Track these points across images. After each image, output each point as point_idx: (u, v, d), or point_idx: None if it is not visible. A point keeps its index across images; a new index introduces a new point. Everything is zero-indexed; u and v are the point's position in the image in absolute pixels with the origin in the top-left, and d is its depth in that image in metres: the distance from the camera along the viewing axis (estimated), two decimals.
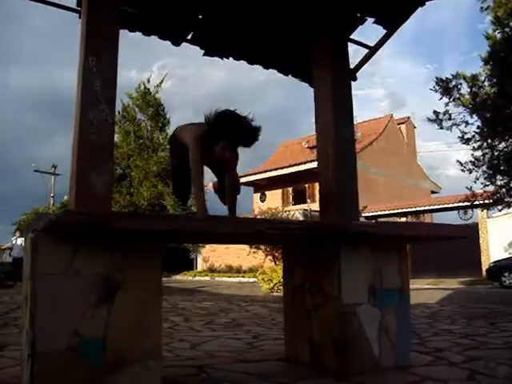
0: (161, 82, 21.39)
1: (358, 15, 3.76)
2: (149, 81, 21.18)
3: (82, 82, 2.48)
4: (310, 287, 2.88)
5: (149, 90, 21.02)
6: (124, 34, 2.92)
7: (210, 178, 3.40)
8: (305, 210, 24.30)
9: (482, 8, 10.95)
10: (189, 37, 3.75)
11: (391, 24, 3.76)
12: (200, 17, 3.63)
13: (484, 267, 18.25)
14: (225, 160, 2.96)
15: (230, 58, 3.92)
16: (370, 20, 3.77)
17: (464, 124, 11.41)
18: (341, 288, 2.67)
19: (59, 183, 36.51)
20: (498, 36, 10.84)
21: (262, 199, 30.49)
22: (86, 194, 2.35)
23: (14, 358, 2.94)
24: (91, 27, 2.54)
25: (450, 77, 11.31)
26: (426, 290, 12.99)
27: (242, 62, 3.99)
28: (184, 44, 3.79)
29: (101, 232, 1.96)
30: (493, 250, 19.35)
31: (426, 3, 3.68)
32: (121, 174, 20.63)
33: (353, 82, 3.70)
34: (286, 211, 23.00)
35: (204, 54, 3.86)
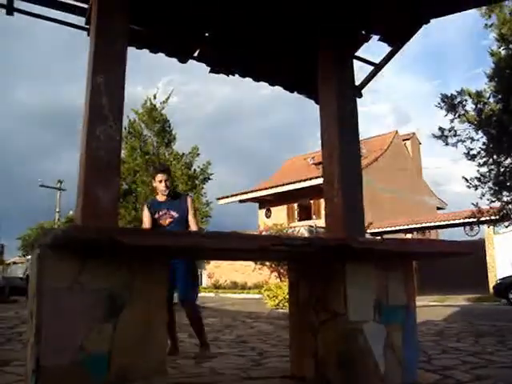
0: (167, 99, 21.52)
1: (363, 33, 3.79)
2: (155, 97, 21.32)
3: (89, 99, 2.51)
4: (315, 304, 2.87)
5: (155, 106, 21.16)
6: (130, 50, 2.95)
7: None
8: (310, 226, 24.22)
9: (486, 25, 11.02)
10: (195, 54, 3.79)
11: (396, 41, 3.79)
12: (206, 34, 3.68)
13: (491, 284, 18.08)
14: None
15: (236, 75, 3.96)
16: (375, 37, 3.80)
17: (469, 140, 11.39)
18: (346, 305, 2.65)
19: (65, 198, 36.63)
20: (503, 53, 10.88)
21: (268, 215, 30.42)
22: (93, 209, 2.36)
23: (18, 374, 2.93)
24: (100, 45, 2.57)
25: (455, 93, 11.33)
26: (432, 307, 12.87)
27: (247, 78, 4.03)
28: (190, 61, 3.83)
29: (107, 247, 1.97)
30: (499, 267, 19.18)
31: (431, 20, 3.71)
32: (126, 189, 20.68)
33: (357, 99, 3.73)
34: (291, 227, 22.96)
35: (210, 71, 3.89)
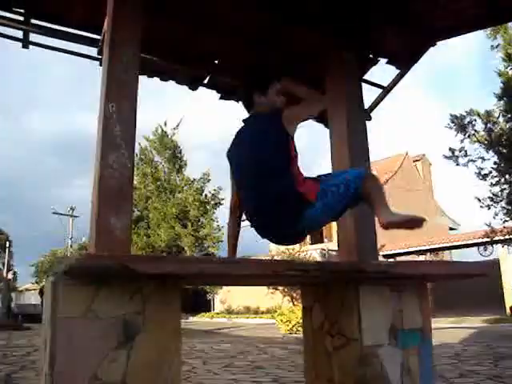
0: (178, 125, 21.77)
1: (371, 56, 3.84)
2: (166, 124, 21.58)
3: (102, 127, 2.55)
4: (329, 328, 2.84)
5: (166, 132, 21.39)
6: (142, 78, 3.01)
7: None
8: (322, 249, 24.11)
9: (492, 46, 11.10)
10: (205, 81, 3.85)
11: (404, 64, 3.83)
12: (216, 62, 3.74)
13: (508, 304, 17.79)
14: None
15: None
16: (383, 60, 3.84)
17: (480, 160, 11.38)
18: (361, 329, 2.62)
19: (77, 225, 36.86)
20: (511, 73, 10.93)
21: None
22: (106, 237, 2.38)
23: None
24: (112, 75, 2.62)
25: (464, 113, 11.36)
26: (448, 329, 12.66)
27: None
28: (200, 88, 3.89)
29: (121, 275, 1.97)
30: None
31: (437, 43, 3.75)
32: (138, 215, 20.79)
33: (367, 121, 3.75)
34: (303, 251, 22.85)
35: (220, 98, 3.95)
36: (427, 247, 22.45)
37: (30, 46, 3.30)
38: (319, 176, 2.56)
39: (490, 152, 11.22)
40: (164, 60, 3.59)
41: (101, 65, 3.10)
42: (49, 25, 3.19)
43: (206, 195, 22.81)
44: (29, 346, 7.58)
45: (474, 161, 11.39)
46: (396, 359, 2.70)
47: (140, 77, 2.81)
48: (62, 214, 36.82)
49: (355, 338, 2.63)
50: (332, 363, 2.79)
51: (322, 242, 26.97)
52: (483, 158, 11.36)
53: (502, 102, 11.05)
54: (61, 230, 36.70)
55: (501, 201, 11.21)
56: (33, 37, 3.28)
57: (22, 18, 3.17)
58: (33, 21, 3.18)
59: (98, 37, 3.26)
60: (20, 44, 3.26)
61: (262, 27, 3.44)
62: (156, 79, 3.70)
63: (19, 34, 3.24)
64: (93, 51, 3.39)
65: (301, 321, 3.39)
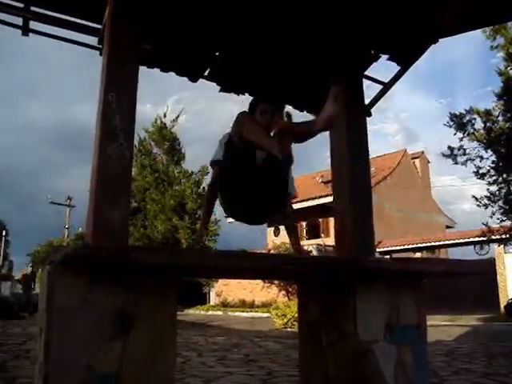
0: (177, 117, 21.74)
1: (372, 52, 3.82)
2: (165, 115, 21.53)
3: (101, 117, 2.54)
4: (325, 323, 2.84)
5: (165, 124, 21.35)
6: (141, 69, 2.99)
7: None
8: (319, 245, 24.15)
9: (491, 47, 11.07)
10: (206, 73, 3.83)
11: (405, 61, 3.81)
12: (217, 54, 3.72)
13: (502, 303, 17.86)
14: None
15: (246, 94, 3.99)
16: (384, 57, 3.83)
17: (479, 159, 11.39)
18: (356, 325, 2.63)
19: (74, 215, 36.82)
20: (511, 72, 10.92)
21: (276, 234, 30.35)
22: (103, 227, 2.37)
23: None
24: (112, 65, 2.61)
25: (464, 112, 11.35)
26: (442, 327, 12.71)
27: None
28: (200, 79, 3.87)
29: (117, 265, 1.97)
30: (510, 286, 18.97)
31: (439, 40, 3.74)
32: (135, 207, 20.77)
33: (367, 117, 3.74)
34: None
35: (220, 90, 3.93)
36: (423, 245, 22.51)
37: (30, 34, 3.28)
38: None
39: (489, 151, 11.23)
40: (164, 51, 3.57)
41: (101, 54, 3.08)
42: (49, 12, 3.16)
43: (203, 188, 22.79)
44: (23, 334, 7.58)
45: (473, 159, 11.39)
46: (391, 355, 2.71)
47: (140, 67, 2.80)
48: (59, 204, 36.80)
49: (351, 333, 2.64)
50: (327, 358, 2.80)
51: (318, 237, 27.01)
52: (482, 157, 11.37)
53: (501, 101, 11.05)
54: (58, 220, 36.68)
55: (498, 200, 11.22)
56: (33, 24, 3.25)
57: (21, 5, 3.14)
58: (33, 8, 3.15)
59: (99, 26, 3.24)
60: (20, 31, 3.24)
61: (264, 19, 3.43)
62: (156, 70, 3.68)
63: (19, 21, 3.22)
64: (93, 40, 3.37)
65: (296, 315, 3.40)
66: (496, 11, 3.57)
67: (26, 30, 3.23)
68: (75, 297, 2.05)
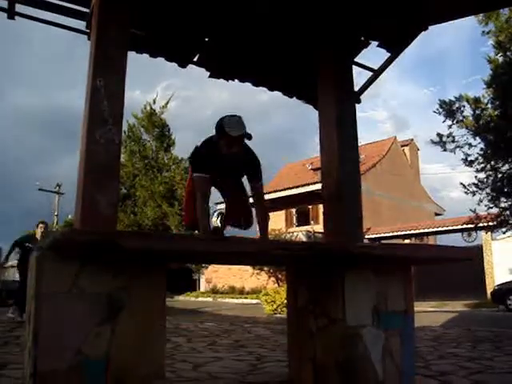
0: (166, 103, 21.56)
1: (362, 39, 3.81)
2: (154, 102, 21.36)
3: (89, 102, 2.52)
4: (313, 309, 2.87)
5: (154, 110, 21.19)
6: (130, 54, 2.96)
7: None
8: (308, 231, 24.23)
9: (483, 32, 11.08)
10: (195, 59, 3.81)
11: (395, 48, 3.81)
12: (206, 39, 3.69)
13: (489, 290, 18.08)
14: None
15: (236, 80, 3.97)
16: (374, 43, 3.82)
17: (467, 146, 11.42)
18: (345, 310, 2.65)
19: (63, 202, 36.59)
20: (500, 60, 10.94)
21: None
22: (92, 213, 2.37)
23: (15, 378, 2.92)
24: (100, 49, 2.58)
25: (454, 99, 11.38)
26: (430, 313, 12.86)
27: (246, 83, 4.04)
28: (189, 65, 3.85)
29: (106, 251, 1.96)
30: (497, 273, 19.20)
31: (429, 27, 3.73)
32: (125, 193, 20.67)
33: (356, 104, 3.74)
34: (289, 232, 22.95)
35: (210, 76, 3.91)
36: (412, 232, 22.67)
37: (16, 18, 3.23)
38: None
39: (478, 138, 11.28)
40: (154, 36, 3.54)
41: (89, 39, 3.05)
42: None
43: None
44: (12, 321, 7.56)
45: (462, 147, 11.44)
46: (378, 340, 2.74)
47: (129, 52, 2.77)
48: (47, 191, 36.51)
49: (339, 318, 2.66)
50: (315, 343, 2.82)
51: (308, 224, 27.10)
52: (470, 145, 11.41)
53: (490, 88, 11.08)
54: (47, 207, 36.47)
55: (486, 187, 11.29)
56: (19, 7, 3.20)
57: None
58: None
59: (87, 10, 3.19)
60: (5, 15, 3.19)
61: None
62: (145, 55, 3.65)
63: (4, 4, 3.17)
64: (81, 24, 3.32)
65: (285, 301, 3.42)
66: None
67: (11, 13, 3.18)
68: (64, 283, 2.04)
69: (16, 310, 6.26)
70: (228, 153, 2.88)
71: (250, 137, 2.87)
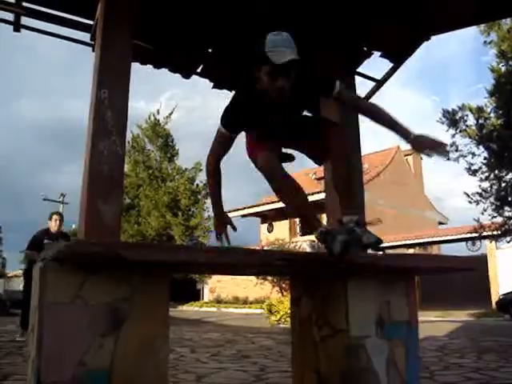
0: (170, 114, 21.70)
1: (365, 49, 3.83)
2: (158, 112, 21.50)
3: (93, 113, 2.53)
4: (317, 319, 2.86)
5: (158, 121, 21.31)
6: (134, 65, 2.99)
7: None
8: (312, 241, 24.17)
9: (485, 42, 11.13)
10: (198, 70, 3.83)
11: (397, 58, 3.83)
12: (210, 50, 3.72)
13: (493, 299, 17.99)
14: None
15: None
16: (377, 54, 3.84)
17: (471, 155, 11.44)
18: (348, 320, 2.64)
19: (67, 212, 36.67)
20: (503, 69, 10.97)
21: (270, 230, 30.38)
22: (96, 223, 2.37)
23: None
24: (104, 60, 2.60)
25: (457, 108, 11.40)
26: (434, 323, 12.79)
27: None
28: (193, 76, 3.87)
29: (110, 262, 1.97)
30: (502, 282, 19.10)
31: (432, 37, 3.75)
32: (129, 203, 20.72)
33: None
34: (293, 242, 22.91)
35: (213, 87, 3.93)
36: (416, 241, 22.60)
37: (22, 30, 3.26)
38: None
39: (481, 147, 11.29)
40: (157, 47, 3.56)
41: (93, 51, 3.08)
42: (41, 8, 3.15)
43: (197, 185, 22.77)
44: (16, 331, 7.55)
45: (465, 156, 11.45)
46: (382, 351, 2.72)
47: (133, 64, 2.79)
48: (52, 201, 36.61)
49: (342, 329, 2.65)
50: (319, 354, 2.81)
51: (312, 233, 27.06)
52: (474, 154, 11.42)
53: (493, 98, 11.10)
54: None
55: (490, 196, 11.28)
56: (24, 20, 3.23)
57: (13, 0, 3.12)
58: (24, 3, 3.14)
59: (91, 22, 3.22)
60: (11, 27, 3.22)
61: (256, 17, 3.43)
62: (149, 66, 3.67)
63: (10, 16, 3.20)
64: (86, 37, 3.36)
65: (289, 311, 3.41)
66: (489, 9, 3.58)
67: (17, 26, 3.21)
68: (67, 293, 2.05)
69: (24, 333, 6.10)
70: (274, 89, 2.25)
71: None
